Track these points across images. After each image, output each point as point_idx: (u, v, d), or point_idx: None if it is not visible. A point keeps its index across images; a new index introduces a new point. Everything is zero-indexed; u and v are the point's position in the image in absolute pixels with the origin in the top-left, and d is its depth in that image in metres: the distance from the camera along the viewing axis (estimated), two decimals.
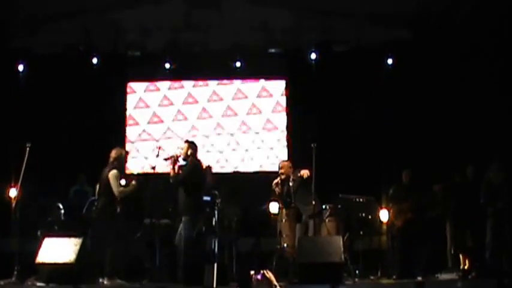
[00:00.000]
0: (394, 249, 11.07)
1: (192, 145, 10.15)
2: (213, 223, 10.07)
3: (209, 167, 11.57)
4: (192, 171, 9.93)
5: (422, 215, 11.06)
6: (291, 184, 10.48)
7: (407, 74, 13.59)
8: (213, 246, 9.68)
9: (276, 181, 10.65)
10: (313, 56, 13.96)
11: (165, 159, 10.03)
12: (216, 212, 10.15)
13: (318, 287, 8.84)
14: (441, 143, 12.92)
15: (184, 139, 13.75)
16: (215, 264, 9.22)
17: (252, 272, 5.63)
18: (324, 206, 10.99)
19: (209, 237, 10.12)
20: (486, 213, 10.34)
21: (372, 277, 10.52)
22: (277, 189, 10.60)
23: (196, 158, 10.10)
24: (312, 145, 10.31)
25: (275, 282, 5.49)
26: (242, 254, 11.02)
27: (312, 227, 10.34)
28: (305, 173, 10.21)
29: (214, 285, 8.53)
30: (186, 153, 10.01)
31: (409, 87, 13.49)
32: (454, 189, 10.99)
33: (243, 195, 12.44)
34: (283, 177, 10.61)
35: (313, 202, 10.18)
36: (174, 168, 9.90)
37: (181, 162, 9.99)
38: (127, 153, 10.23)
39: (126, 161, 10.17)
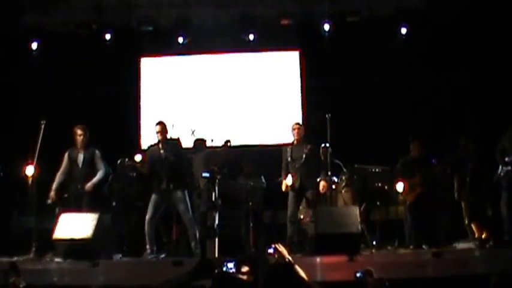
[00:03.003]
0: (410, 220, 11.02)
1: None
2: (213, 198, 10.12)
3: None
4: None
5: (433, 188, 11.00)
6: (305, 151, 10.46)
7: (421, 43, 13.48)
8: (214, 221, 9.74)
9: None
10: (326, 26, 13.84)
11: None
12: (216, 188, 10.19)
13: (336, 257, 8.85)
14: (456, 112, 12.84)
15: (198, 113, 13.89)
16: (216, 239, 9.31)
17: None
18: (339, 177, 11.05)
19: (210, 212, 10.18)
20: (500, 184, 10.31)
21: (389, 247, 10.52)
22: (288, 154, 10.63)
23: None
24: (327, 116, 10.31)
25: (287, 256, 5.46)
26: (260, 227, 11.06)
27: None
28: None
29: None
30: None
31: (423, 56, 13.38)
32: (456, 165, 10.91)
33: (258, 168, 12.46)
34: (297, 138, 10.64)
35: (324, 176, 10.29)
36: None
37: None
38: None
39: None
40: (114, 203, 11.19)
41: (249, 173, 12.09)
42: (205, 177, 10.37)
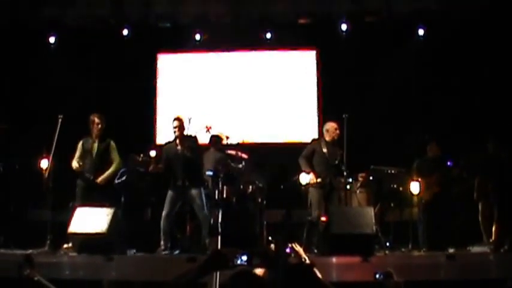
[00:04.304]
0: (424, 222, 10.99)
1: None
2: (216, 196, 10.13)
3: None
4: None
5: (450, 188, 10.98)
6: (339, 154, 10.46)
7: (438, 44, 13.42)
8: (217, 219, 9.75)
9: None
10: (343, 26, 13.81)
11: None
12: (219, 186, 10.18)
13: (349, 258, 8.84)
14: (472, 114, 12.80)
15: (215, 110, 13.88)
16: (219, 237, 9.33)
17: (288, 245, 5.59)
18: (355, 177, 11.02)
19: (213, 210, 10.19)
20: None
21: (403, 249, 10.46)
22: (325, 150, 10.52)
23: None
24: (343, 116, 10.28)
25: (304, 255, 5.45)
26: (273, 226, 11.02)
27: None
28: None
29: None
30: None
31: (440, 58, 13.34)
32: (475, 169, 10.87)
33: (273, 167, 12.46)
34: (335, 138, 10.59)
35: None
36: None
37: None
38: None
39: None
40: (122, 198, 11.14)
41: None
42: (209, 176, 10.40)
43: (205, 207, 10.15)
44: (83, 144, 10.49)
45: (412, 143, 11.98)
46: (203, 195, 10.21)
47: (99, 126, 10.45)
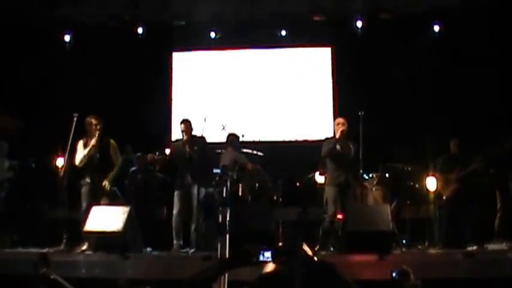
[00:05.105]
0: (441, 219, 10.92)
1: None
2: (224, 195, 10.09)
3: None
4: None
5: (469, 184, 10.90)
6: (352, 149, 10.30)
7: (455, 41, 13.35)
8: (225, 217, 9.73)
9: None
10: (359, 23, 13.76)
11: None
12: (228, 184, 10.15)
13: (366, 256, 8.80)
14: (489, 111, 12.72)
15: (229, 108, 13.87)
16: (227, 236, 9.30)
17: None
18: (370, 175, 10.94)
19: (222, 208, 10.14)
20: None
21: (419, 246, 10.40)
22: (338, 147, 10.32)
23: None
24: (359, 113, 10.21)
25: (313, 255, 5.39)
26: (289, 224, 10.98)
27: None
28: None
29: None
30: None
31: (456, 55, 13.26)
32: (492, 164, 10.79)
33: (288, 165, 12.43)
34: (343, 133, 10.40)
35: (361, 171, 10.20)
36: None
37: None
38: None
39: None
40: (134, 196, 11.15)
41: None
42: (216, 174, 10.36)
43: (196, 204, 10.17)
44: (84, 146, 10.30)
45: (429, 140, 11.90)
46: (202, 195, 10.17)
47: (98, 126, 10.21)
